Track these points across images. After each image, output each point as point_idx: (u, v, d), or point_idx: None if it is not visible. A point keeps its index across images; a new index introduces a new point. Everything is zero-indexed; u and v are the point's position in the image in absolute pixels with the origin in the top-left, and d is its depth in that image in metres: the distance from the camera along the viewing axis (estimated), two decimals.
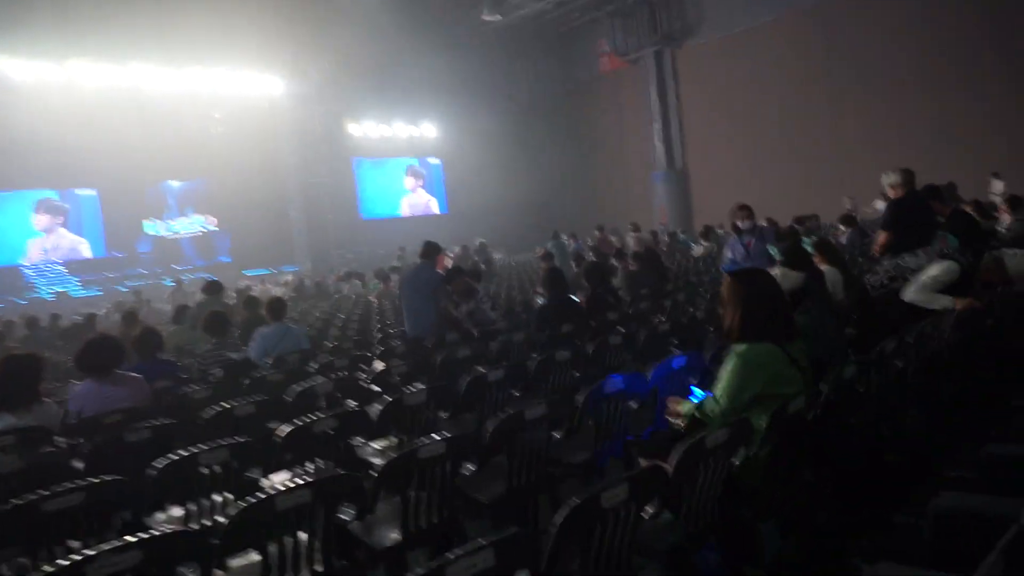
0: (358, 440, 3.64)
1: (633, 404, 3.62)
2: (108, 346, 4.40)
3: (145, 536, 1.93)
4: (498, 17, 21.20)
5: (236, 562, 2.33)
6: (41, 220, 20.05)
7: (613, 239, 17.23)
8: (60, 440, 3.68)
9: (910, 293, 4.24)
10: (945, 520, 2.06)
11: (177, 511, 2.98)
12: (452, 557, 1.55)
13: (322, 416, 3.40)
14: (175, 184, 22.17)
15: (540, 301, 7.29)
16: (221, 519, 2.25)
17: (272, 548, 2.28)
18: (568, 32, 24.15)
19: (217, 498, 2.99)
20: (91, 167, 18.99)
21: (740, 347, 2.71)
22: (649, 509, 2.19)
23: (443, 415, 4.02)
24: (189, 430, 3.63)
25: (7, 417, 3.74)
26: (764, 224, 8.87)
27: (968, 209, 6.80)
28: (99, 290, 19.52)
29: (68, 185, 20.06)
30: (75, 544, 2.49)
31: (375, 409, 3.72)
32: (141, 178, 20.46)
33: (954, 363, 3.75)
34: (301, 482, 2.37)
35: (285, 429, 3.25)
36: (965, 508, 2.08)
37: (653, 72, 22.31)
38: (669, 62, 22.13)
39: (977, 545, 2.06)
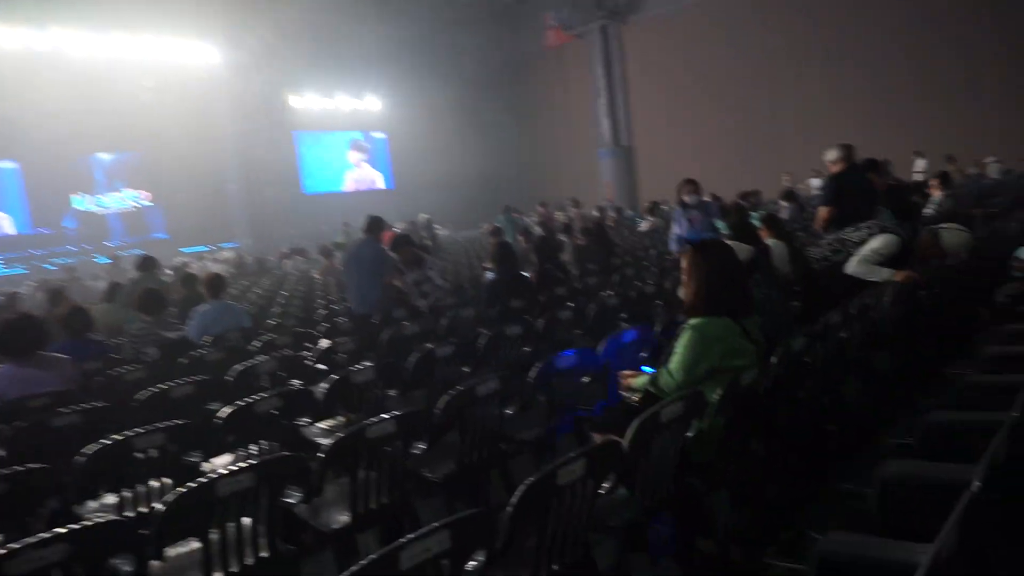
0: (303, 420, 3.52)
1: (585, 379, 3.61)
2: (29, 326, 4.13)
3: (75, 527, 1.80)
4: None
5: (175, 551, 2.21)
6: None
7: (560, 215, 17.26)
8: None
9: (852, 266, 4.34)
10: (892, 487, 2.09)
11: (111, 499, 2.83)
12: (406, 541, 1.49)
13: (265, 396, 3.27)
14: (105, 157, 21.12)
15: (489, 276, 7.22)
16: (159, 506, 2.13)
17: (214, 535, 2.17)
18: (514, 5, 23.86)
19: (154, 484, 2.85)
20: (10, 138, 17.88)
21: (695, 320, 2.70)
22: (605, 485, 2.16)
23: (391, 393, 3.93)
24: (122, 414, 3.44)
25: None
26: (709, 199, 8.99)
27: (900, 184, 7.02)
28: (24, 268, 18.53)
29: None
30: None
31: (321, 388, 3.60)
32: (67, 150, 19.35)
33: (894, 336, 3.85)
34: (244, 465, 2.26)
35: (226, 410, 3.11)
36: (911, 475, 2.12)
37: (599, 47, 22.26)
38: (615, 38, 22.12)
39: (924, 510, 2.11)
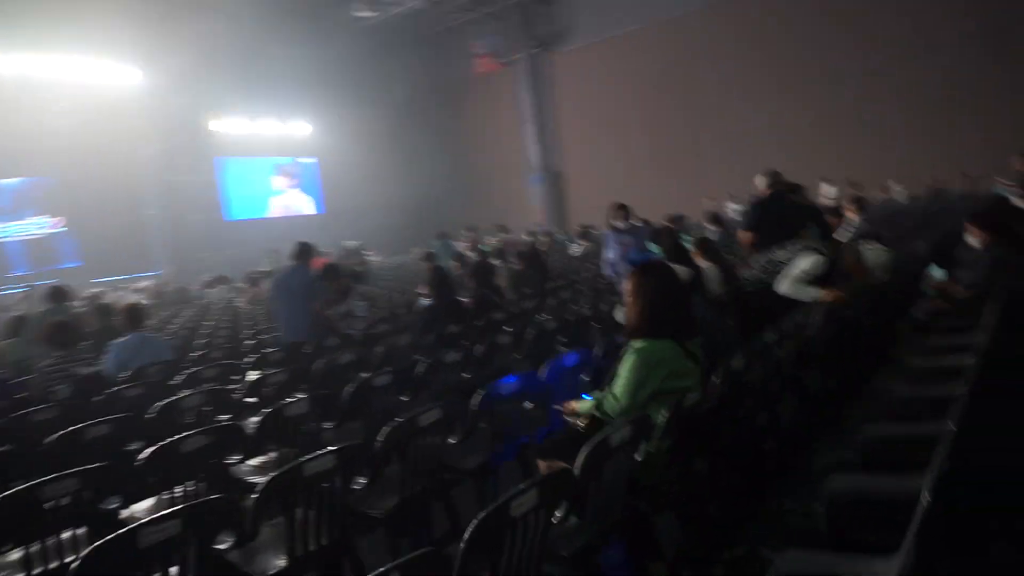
0: (233, 458, 3.33)
1: (527, 405, 3.55)
2: None
3: None
4: (371, 13, 20.71)
5: None
6: None
7: (489, 240, 17.27)
8: None
9: (783, 286, 4.46)
10: (839, 502, 2.12)
11: (16, 555, 2.58)
12: None
13: (191, 433, 3.07)
14: (10, 182, 19.90)
15: (425, 302, 7.11)
16: (73, 561, 1.93)
17: None
18: (443, 32, 24.00)
19: (67, 536, 2.61)
20: None
21: (639, 343, 2.69)
22: (557, 513, 2.10)
23: (327, 426, 3.78)
24: (29, 459, 3.17)
25: None
26: (639, 223, 9.17)
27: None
28: None
29: None
30: None
31: (251, 423, 3.43)
32: None
33: (824, 354, 3.97)
34: (169, 511, 2.09)
35: (148, 451, 2.90)
36: (856, 489, 2.15)
37: (528, 75, 22.60)
38: (544, 66, 22.51)
39: (871, 524, 2.14)
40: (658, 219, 11.60)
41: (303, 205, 25.46)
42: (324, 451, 2.50)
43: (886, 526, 2.11)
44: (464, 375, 4.48)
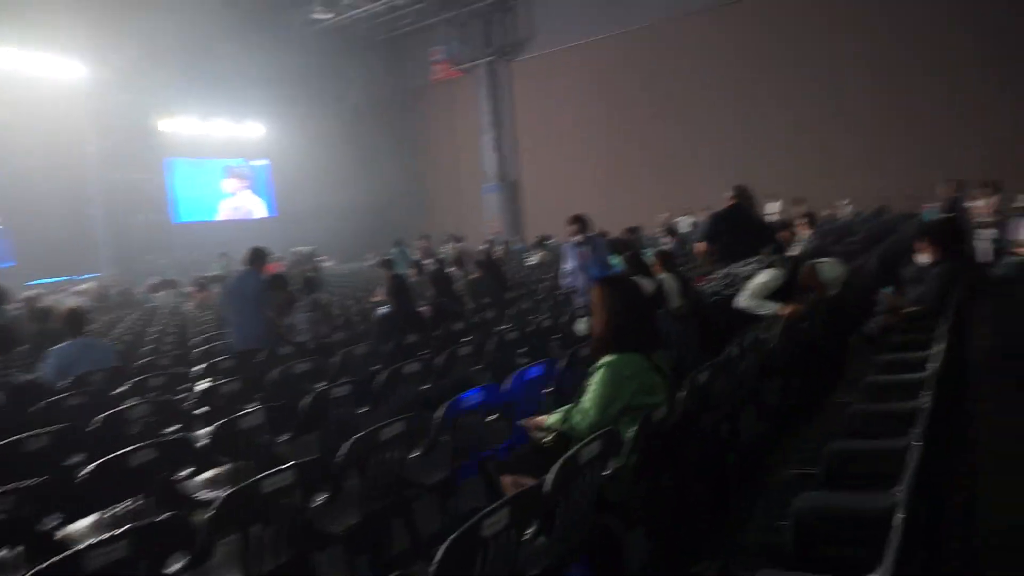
0: (183, 473, 3.18)
1: (490, 418, 3.50)
2: None
3: None
4: (330, 15, 20.46)
5: None
6: None
7: (446, 247, 17.17)
8: None
9: (743, 300, 4.52)
10: (805, 519, 2.12)
11: None
12: None
13: (138, 446, 2.92)
14: None
15: (382, 310, 6.99)
16: None
17: None
18: (401, 37, 23.85)
19: (3, 556, 2.45)
20: None
21: (609, 358, 2.67)
22: (527, 532, 2.06)
23: (282, 438, 3.65)
24: None
25: None
26: (597, 235, 9.21)
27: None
28: None
29: None
30: None
31: (202, 435, 3.29)
32: None
33: (783, 368, 4.02)
34: (116, 531, 1.97)
35: (91, 465, 2.75)
36: (823, 506, 2.16)
37: (486, 83, 22.63)
38: (502, 74, 22.56)
39: (837, 541, 2.15)
40: (615, 230, 11.70)
41: (254, 207, 24.91)
42: (284, 466, 2.40)
43: (852, 543, 2.13)
44: (423, 387, 4.41)
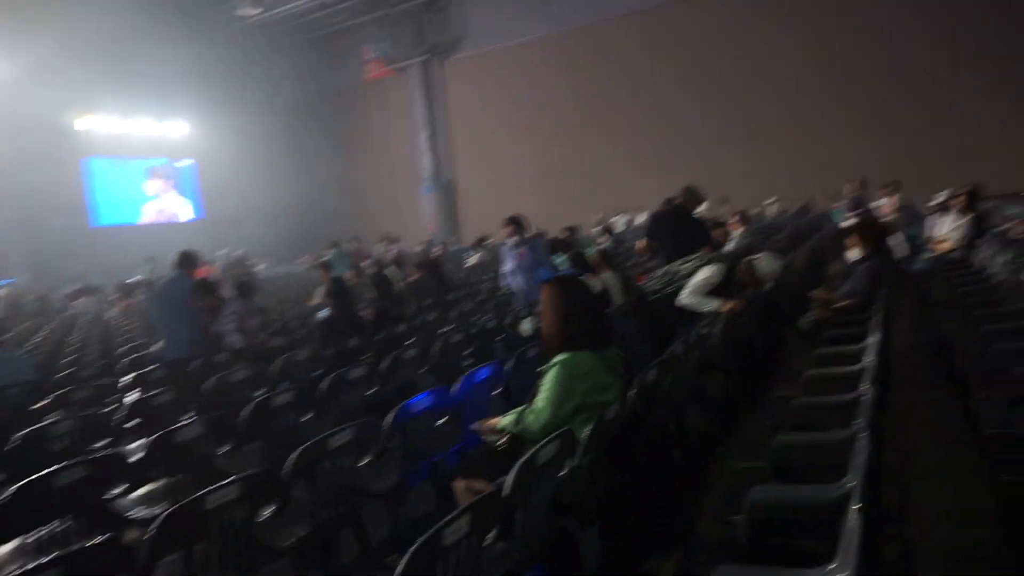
0: (115, 491, 3.01)
1: (440, 421, 3.45)
2: None
3: None
4: (257, 11, 19.87)
5: None
6: None
7: (378, 247, 16.96)
8: None
9: (685, 297, 4.60)
10: (758, 512, 2.16)
11: None
12: None
13: (65, 465, 2.75)
14: None
15: (322, 314, 6.82)
16: None
17: None
18: (333, 35, 23.39)
19: None
20: None
21: (562, 356, 2.67)
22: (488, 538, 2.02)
23: (223, 450, 3.51)
24: None
25: None
26: (535, 235, 9.24)
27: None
28: None
29: None
30: None
31: (135, 449, 3.12)
32: None
33: (725, 363, 4.11)
34: (41, 559, 1.84)
35: (13, 487, 2.57)
36: (776, 499, 2.20)
37: (420, 82, 22.40)
38: (436, 73, 22.39)
39: (791, 531, 2.20)
40: (552, 229, 11.79)
41: (180, 209, 23.94)
42: (228, 480, 2.30)
43: (805, 534, 2.18)
44: (369, 392, 4.32)
